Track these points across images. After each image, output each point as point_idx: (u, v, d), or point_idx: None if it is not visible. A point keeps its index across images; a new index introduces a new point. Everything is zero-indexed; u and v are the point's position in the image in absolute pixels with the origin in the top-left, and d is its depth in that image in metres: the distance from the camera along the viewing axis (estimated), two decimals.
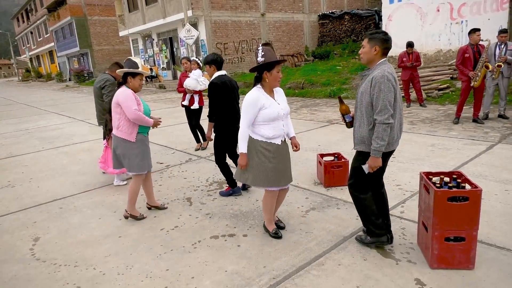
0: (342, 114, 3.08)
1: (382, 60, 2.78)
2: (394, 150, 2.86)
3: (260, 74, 3.04)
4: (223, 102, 4.15)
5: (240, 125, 3.07)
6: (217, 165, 4.40)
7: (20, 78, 52.78)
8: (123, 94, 3.71)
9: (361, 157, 2.87)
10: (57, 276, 2.92)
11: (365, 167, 2.82)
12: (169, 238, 3.43)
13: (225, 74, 4.28)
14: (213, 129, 4.28)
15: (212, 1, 18.63)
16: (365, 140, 2.80)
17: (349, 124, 3.05)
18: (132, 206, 3.85)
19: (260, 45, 3.04)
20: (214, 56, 4.32)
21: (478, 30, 6.73)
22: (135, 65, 3.81)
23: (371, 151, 2.73)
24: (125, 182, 5.11)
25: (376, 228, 2.94)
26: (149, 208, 4.12)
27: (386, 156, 2.83)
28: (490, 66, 6.56)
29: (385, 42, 2.74)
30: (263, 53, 2.95)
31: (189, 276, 2.80)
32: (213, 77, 4.21)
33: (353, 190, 2.98)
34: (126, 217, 3.88)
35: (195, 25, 18.63)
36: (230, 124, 4.17)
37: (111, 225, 3.79)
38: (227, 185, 4.41)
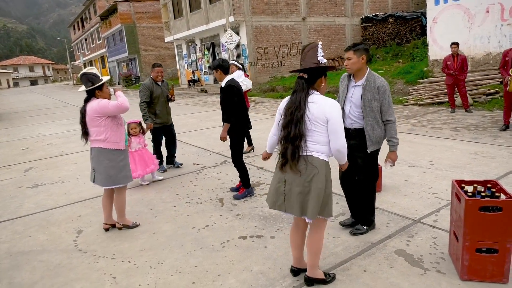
0: None
1: (368, 68, 3.11)
2: None
3: (314, 77, 2.47)
4: (239, 104, 4.32)
5: (344, 138, 2.43)
6: (235, 166, 4.53)
7: (74, 82, 56.39)
8: (99, 104, 3.47)
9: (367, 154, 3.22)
10: (96, 267, 3.14)
11: (389, 164, 3.21)
12: (200, 236, 3.56)
13: (234, 78, 4.40)
14: (227, 131, 4.37)
15: (253, 7, 18.89)
16: (381, 140, 3.19)
17: None
18: (123, 217, 3.82)
19: (319, 43, 2.51)
20: (220, 61, 4.36)
21: None
22: (96, 77, 3.48)
23: (391, 147, 3.18)
24: (161, 177, 5.52)
25: (373, 215, 3.43)
26: (116, 227, 3.87)
27: None
28: None
29: (368, 51, 3.10)
30: (323, 54, 2.44)
31: (216, 274, 2.90)
32: (225, 80, 4.31)
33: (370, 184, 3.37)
34: (120, 229, 3.81)
35: (236, 30, 18.97)
36: (244, 125, 4.44)
37: (147, 221, 4.00)
38: (241, 187, 4.57)
